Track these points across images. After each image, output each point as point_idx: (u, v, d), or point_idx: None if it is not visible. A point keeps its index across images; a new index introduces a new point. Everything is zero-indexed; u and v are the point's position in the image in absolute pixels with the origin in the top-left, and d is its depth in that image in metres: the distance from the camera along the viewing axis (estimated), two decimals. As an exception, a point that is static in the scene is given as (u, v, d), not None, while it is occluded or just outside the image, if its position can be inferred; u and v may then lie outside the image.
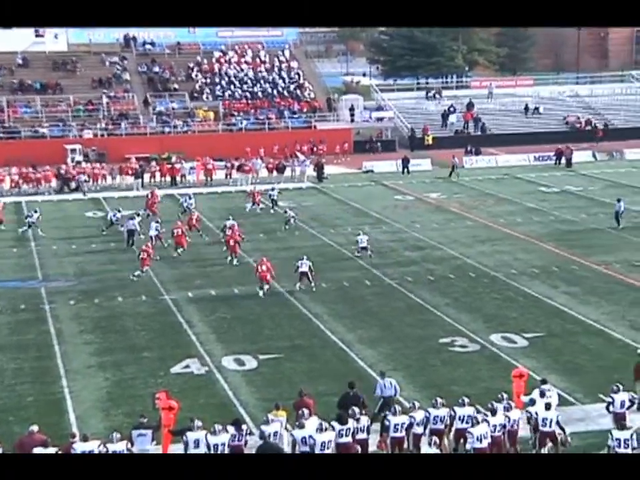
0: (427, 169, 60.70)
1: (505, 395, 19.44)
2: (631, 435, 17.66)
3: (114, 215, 41.63)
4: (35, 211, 42.45)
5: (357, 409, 18.68)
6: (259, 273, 31.47)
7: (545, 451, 18.52)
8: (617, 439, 17.60)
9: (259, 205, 45.52)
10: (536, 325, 27.78)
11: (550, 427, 18.58)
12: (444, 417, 18.88)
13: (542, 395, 19.74)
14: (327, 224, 42.63)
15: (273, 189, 46.73)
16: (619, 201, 41.31)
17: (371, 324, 28.33)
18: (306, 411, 18.79)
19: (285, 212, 41.69)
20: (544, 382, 20.70)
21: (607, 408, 19.92)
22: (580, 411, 21.15)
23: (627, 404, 19.62)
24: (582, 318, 28.38)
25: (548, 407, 18.92)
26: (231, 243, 35.99)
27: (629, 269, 33.80)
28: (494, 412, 18.66)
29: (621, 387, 19.90)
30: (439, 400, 19.11)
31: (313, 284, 31.60)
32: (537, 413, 18.84)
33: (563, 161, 60.61)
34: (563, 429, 18.84)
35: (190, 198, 45.10)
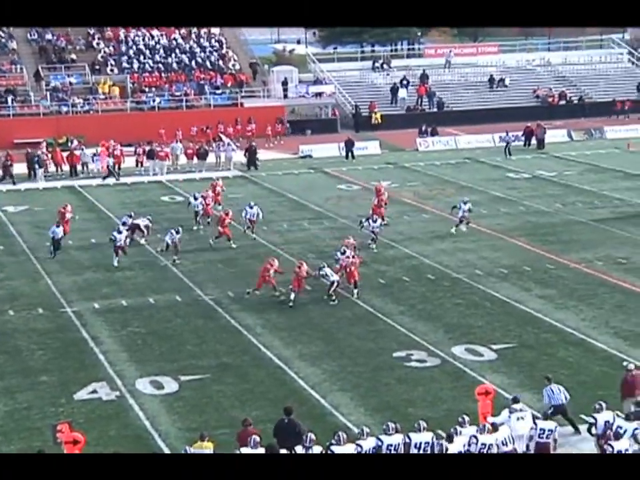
0: (375, 153, 61.10)
1: (467, 418, 19.70)
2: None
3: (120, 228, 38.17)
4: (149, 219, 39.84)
5: (312, 435, 18.63)
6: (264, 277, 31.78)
7: None
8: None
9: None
10: (505, 334, 28.14)
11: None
12: (398, 444, 19.04)
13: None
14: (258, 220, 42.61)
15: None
16: None
17: (313, 337, 28.45)
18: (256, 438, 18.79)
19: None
20: (515, 400, 21.03)
21: (589, 430, 20.30)
22: (558, 435, 21.44)
23: (613, 425, 19.94)
24: (559, 325, 28.83)
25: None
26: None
27: (613, 267, 34.43)
28: (450, 438, 18.95)
29: (604, 405, 20.26)
30: (391, 425, 19.27)
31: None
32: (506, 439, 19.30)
33: (534, 141, 61.48)
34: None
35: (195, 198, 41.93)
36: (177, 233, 36.25)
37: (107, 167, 53.72)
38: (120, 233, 36.32)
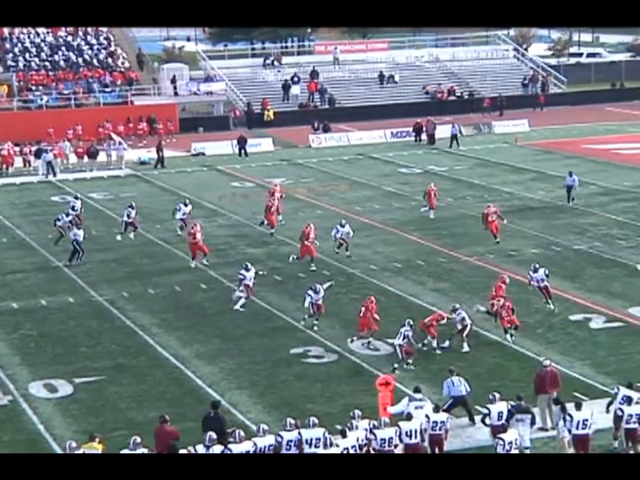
0: (268, 150, 61.10)
1: (358, 412, 19.79)
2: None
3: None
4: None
5: (213, 435, 18.72)
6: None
7: None
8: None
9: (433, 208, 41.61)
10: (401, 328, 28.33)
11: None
12: (298, 440, 19.11)
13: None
14: (151, 218, 42.34)
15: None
16: (570, 174, 43.18)
17: (210, 335, 28.35)
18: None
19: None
20: (417, 390, 21.34)
21: (483, 420, 20.64)
22: (454, 426, 21.70)
23: (505, 415, 20.31)
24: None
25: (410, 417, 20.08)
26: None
27: (504, 260, 34.98)
28: (343, 433, 19.07)
29: (497, 396, 20.61)
30: (290, 421, 19.33)
31: None
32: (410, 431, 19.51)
33: (424, 137, 62.07)
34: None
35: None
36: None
37: (49, 162, 52.66)
38: (248, 270, 30.80)
